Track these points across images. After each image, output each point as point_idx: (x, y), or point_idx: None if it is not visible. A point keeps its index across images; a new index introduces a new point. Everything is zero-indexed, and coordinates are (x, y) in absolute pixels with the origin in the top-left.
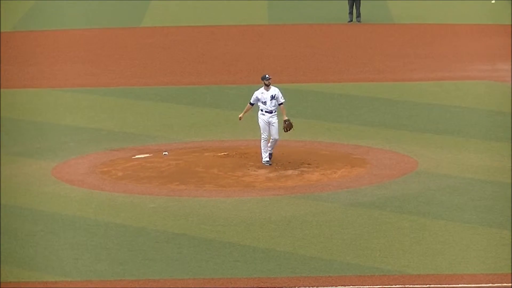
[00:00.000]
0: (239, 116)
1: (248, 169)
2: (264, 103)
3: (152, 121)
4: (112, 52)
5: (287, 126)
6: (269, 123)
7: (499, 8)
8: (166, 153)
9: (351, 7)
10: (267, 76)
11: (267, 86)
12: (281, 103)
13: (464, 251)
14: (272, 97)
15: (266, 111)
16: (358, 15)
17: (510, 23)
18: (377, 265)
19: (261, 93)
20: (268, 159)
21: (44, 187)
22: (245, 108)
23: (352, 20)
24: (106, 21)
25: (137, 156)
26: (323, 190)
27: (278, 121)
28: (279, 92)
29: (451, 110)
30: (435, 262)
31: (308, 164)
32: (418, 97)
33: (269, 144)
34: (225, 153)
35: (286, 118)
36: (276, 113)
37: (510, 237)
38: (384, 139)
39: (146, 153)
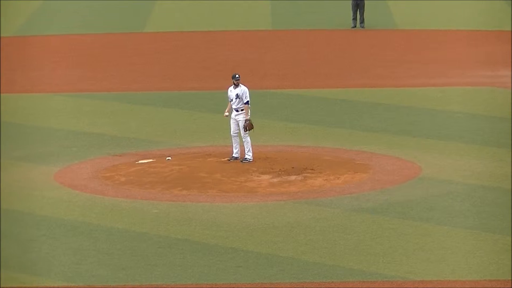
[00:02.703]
0: (224, 114)
1: (251, 175)
2: (231, 101)
3: (155, 126)
4: (114, 57)
5: (247, 126)
6: (236, 120)
7: (502, 14)
8: (169, 158)
9: (354, 13)
10: (236, 76)
11: (235, 85)
12: (246, 103)
13: (467, 257)
14: (237, 96)
15: (234, 109)
16: (362, 21)
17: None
18: (380, 271)
19: (230, 91)
20: (235, 156)
21: (47, 192)
22: (227, 107)
23: (355, 26)
24: (109, 27)
25: (140, 161)
26: (326, 195)
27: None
28: (246, 92)
29: (454, 116)
30: (438, 268)
31: (311, 169)
32: (420, 103)
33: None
34: (228, 159)
35: (248, 118)
36: (243, 111)
37: None
38: (387, 145)
39: (149, 158)
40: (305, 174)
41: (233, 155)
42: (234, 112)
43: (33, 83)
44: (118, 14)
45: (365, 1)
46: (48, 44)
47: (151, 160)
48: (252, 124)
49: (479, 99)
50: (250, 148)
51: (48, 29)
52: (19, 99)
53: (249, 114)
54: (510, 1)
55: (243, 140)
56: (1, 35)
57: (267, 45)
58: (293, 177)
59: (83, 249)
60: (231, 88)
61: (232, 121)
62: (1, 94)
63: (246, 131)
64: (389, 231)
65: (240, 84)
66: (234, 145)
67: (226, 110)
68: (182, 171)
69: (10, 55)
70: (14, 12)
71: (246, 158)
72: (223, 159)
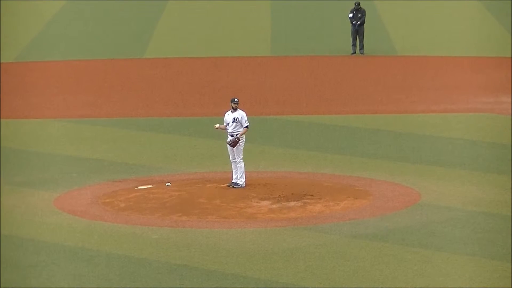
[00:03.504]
0: (216, 126)
1: (251, 201)
2: (227, 124)
3: (155, 152)
4: (114, 83)
5: (232, 141)
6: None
7: (502, 41)
8: (169, 184)
9: (354, 39)
10: (235, 99)
11: (234, 109)
12: (246, 126)
13: (467, 284)
14: (234, 120)
15: (229, 134)
16: (361, 47)
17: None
18: None
19: (227, 115)
20: (234, 182)
21: (46, 217)
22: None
23: (355, 52)
24: (109, 52)
25: (139, 187)
26: (325, 221)
27: (240, 145)
28: (244, 117)
29: (454, 143)
30: None
31: (311, 195)
32: (420, 129)
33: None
34: (227, 184)
35: (238, 136)
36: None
37: None
38: (387, 171)
39: (149, 184)
40: (305, 200)
41: (233, 180)
42: (229, 137)
43: (33, 109)
44: (118, 40)
45: (365, 28)
46: (48, 70)
47: (151, 186)
48: (236, 141)
49: (480, 126)
50: (243, 174)
51: (49, 55)
52: (20, 125)
53: (243, 136)
54: (510, 28)
55: (238, 165)
56: (2, 61)
57: (267, 71)
58: (292, 203)
59: (83, 275)
60: (229, 112)
61: (228, 147)
62: (2, 120)
63: (229, 144)
64: (389, 258)
65: (238, 109)
66: (233, 171)
67: (220, 126)
68: (181, 197)
69: (10, 81)
70: (15, 38)
71: (237, 184)
72: (222, 185)
